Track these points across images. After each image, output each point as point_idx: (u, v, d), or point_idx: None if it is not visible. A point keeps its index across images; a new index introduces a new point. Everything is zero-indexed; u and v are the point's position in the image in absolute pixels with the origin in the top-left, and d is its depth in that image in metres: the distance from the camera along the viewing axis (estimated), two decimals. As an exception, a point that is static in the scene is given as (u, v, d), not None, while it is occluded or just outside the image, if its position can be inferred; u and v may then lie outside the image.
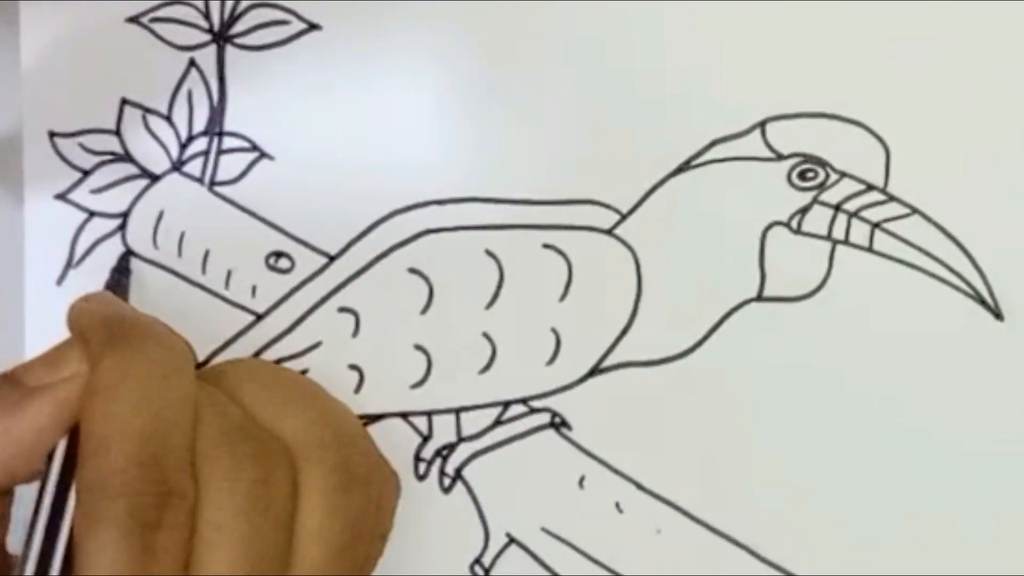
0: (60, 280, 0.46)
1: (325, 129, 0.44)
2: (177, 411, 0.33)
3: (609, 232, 0.43)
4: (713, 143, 0.42)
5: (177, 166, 0.45)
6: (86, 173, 0.46)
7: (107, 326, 0.35)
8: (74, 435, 0.34)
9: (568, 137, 0.43)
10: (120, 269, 0.44)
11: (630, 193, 0.43)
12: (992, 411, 0.40)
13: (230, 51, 0.45)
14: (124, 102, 0.46)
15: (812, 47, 0.42)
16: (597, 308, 0.43)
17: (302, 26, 0.45)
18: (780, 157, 0.42)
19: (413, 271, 0.43)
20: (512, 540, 0.43)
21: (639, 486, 0.42)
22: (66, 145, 0.46)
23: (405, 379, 0.43)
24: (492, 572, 0.43)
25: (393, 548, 0.43)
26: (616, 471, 0.42)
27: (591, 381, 0.43)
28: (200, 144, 0.45)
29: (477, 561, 0.43)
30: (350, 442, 0.37)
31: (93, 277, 0.45)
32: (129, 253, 0.44)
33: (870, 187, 0.41)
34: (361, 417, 0.44)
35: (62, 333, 0.45)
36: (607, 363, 0.42)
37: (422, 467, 0.43)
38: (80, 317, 0.36)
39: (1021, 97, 0.41)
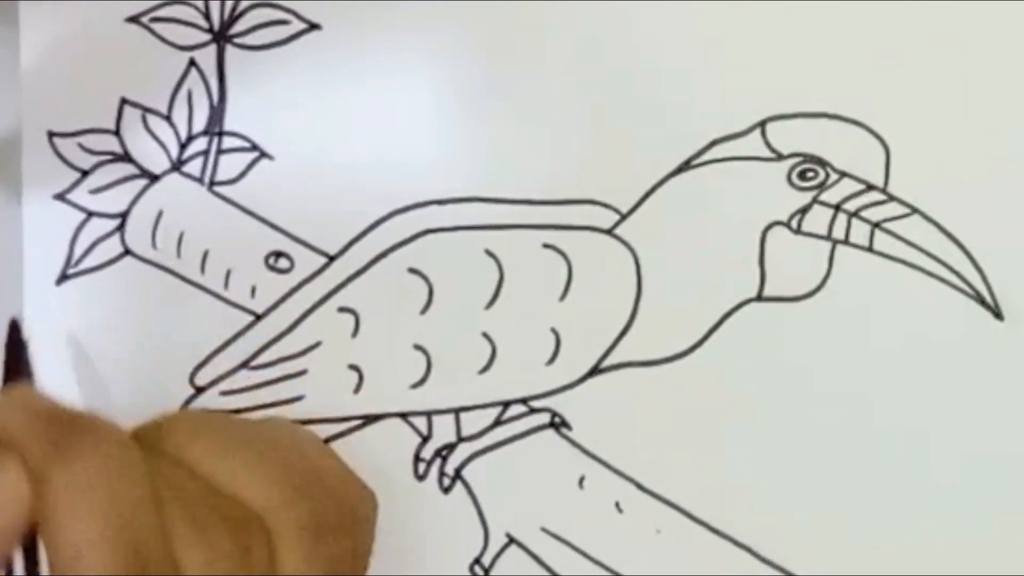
0: (59, 280, 0.46)
1: (325, 129, 0.44)
2: (143, 506, 0.32)
3: (609, 232, 0.43)
4: (713, 143, 0.42)
5: (177, 166, 0.45)
6: (85, 173, 0.46)
7: (46, 434, 0.33)
8: (28, 550, 0.33)
9: (568, 137, 0.43)
10: (12, 343, 0.38)
11: (630, 193, 0.43)
12: (992, 411, 0.40)
13: (230, 51, 0.45)
14: (124, 102, 0.45)
15: (812, 47, 0.42)
16: (597, 308, 0.42)
17: (302, 26, 0.45)
18: (780, 157, 0.42)
19: (413, 271, 0.43)
20: (512, 540, 0.43)
21: (639, 486, 0.42)
22: (65, 145, 0.46)
23: (405, 379, 0.43)
24: (492, 572, 0.43)
25: (393, 548, 0.43)
26: (616, 471, 0.42)
27: (591, 381, 0.43)
28: (200, 144, 0.45)
29: (477, 561, 0.43)
30: (317, 489, 0.36)
31: (92, 277, 0.46)
32: (17, 323, 0.39)
33: (870, 187, 0.41)
34: (361, 417, 0.44)
35: (61, 333, 0.45)
36: (607, 363, 0.42)
37: (422, 467, 0.43)
38: (7, 428, 0.34)
39: (1021, 97, 0.41)
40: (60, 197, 0.46)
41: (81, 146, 0.46)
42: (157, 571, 0.31)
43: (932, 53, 0.41)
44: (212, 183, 0.45)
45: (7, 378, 0.38)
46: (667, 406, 0.42)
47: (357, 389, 0.43)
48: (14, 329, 0.38)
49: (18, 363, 0.38)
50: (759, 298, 0.42)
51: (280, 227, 0.44)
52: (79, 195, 0.46)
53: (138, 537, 0.31)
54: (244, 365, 0.44)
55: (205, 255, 0.45)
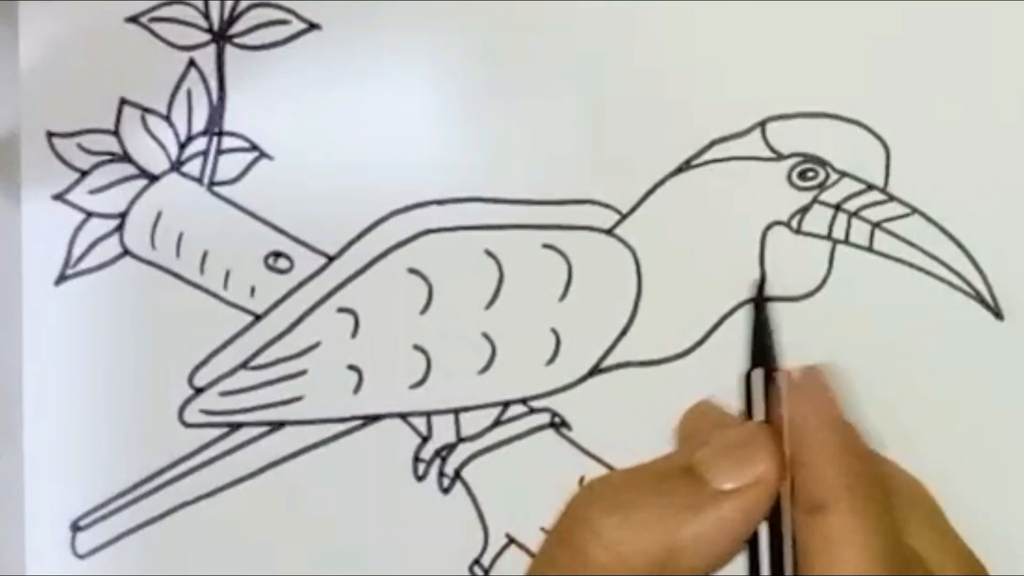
0: (58, 281, 0.46)
1: (325, 129, 0.44)
2: (900, 568, 0.29)
3: (609, 232, 0.43)
4: (713, 143, 0.42)
5: (176, 166, 0.45)
6: (84, 173, 0.46)
7: (843, 459, 0.31)
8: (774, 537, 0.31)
9: (568, 137, 0.43)
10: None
11: (630, 193, 0.43)
12: (992, 410, 0.40)
13: (230, 51, 0.45)
14: (123, 102, 0.45)
15: (812, 47, 0.42)
16: (597, 308, 0.42)
17: (302, 26, 0.44)
18: (780, 157, 0.42)
19: (413, 271, 0.43)
20: (512, 540, 0.43)
21: (639, 486, 0.42)
22: (64, 145, 0.46)
23: (405, 379, 0.43)
24: (492, 572, 0.43)
25: (393, 549, 0.43)
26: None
27: (591, 381, 0.42)
28: (199, 144, 0.45)
29: (477, 562, 0.43)
30: (977, 561, 0.35)
31: (91, 278, 0.45)
32: (759, 283, 0.37)
33: (870, 187, 0.41)
34: (361, 417, 0.44)
35: (59, 334, 0.45)
36: (607, 363, 0.42)
37: (421, 467, 0.43)
38: (802, 425, 0.32)
39: (1021, 97, 0.41)
40: (59, 197, 0.46)
41: (80, 146, 0.46)
42: None
43: (932, 53, 0.41)
44: (211, 183, 0.45)
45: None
46: (667, 406, 0.42)
47: (357, 389, 0.43)
48: (759, 290, 0.36)
49: (766, 331, 0.36)
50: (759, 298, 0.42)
51: (280, 227, 0.44)
52: (78, 195, 0.46)
53: None
54: (244, 365, 0.44)
55: (204, 255, 0.45)
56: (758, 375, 0.35)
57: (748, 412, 0.34)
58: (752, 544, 0.31)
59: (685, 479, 0.31)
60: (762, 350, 0.36)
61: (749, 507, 0.30)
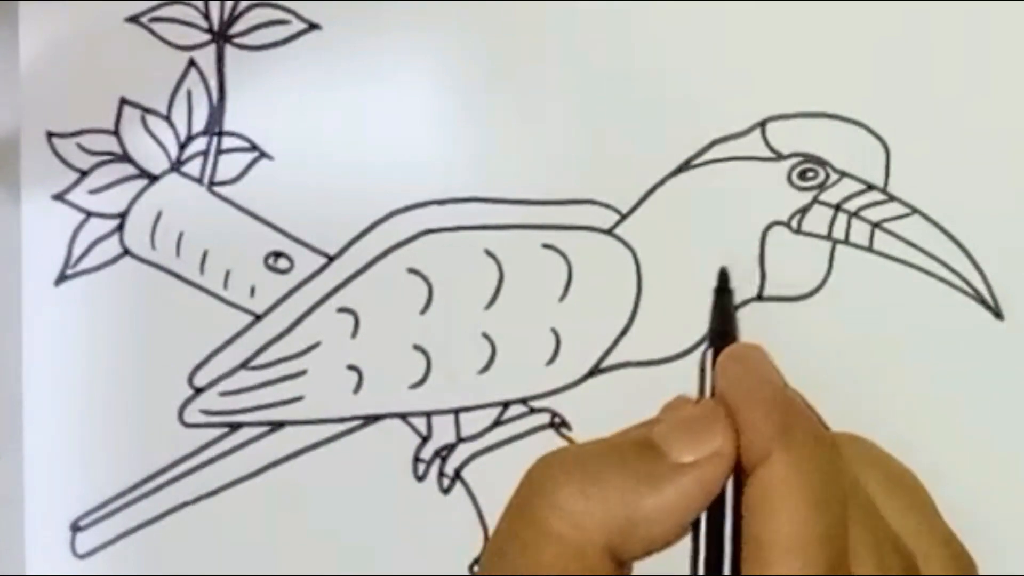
0: (58, 281, 0.46)
1: (325, 129, 0.44)
2: (841, 518, 0.29)
3: (609, 232, 0.43)
4: (713, 143, 0.42)
5: (176, 166, 0.45)
6: (84, 173, 0.46)
7: (774, 413, 0.31)
8: (714, 508, 0.32)
9: (568, 137, 0.43)
10: (721, 291, 0.37)
11: (630, 193, 0.43)
12: (992, 410, 0.40)
13: (230, 51, 0.45)
14: (123, 102, 0.45)
15: (812, 47, 0.42)
16: (597, 308, 0.42)
17: (302, 26, 0.44)
18: (780, 157, 0.42)
19: (413, 271, 0.43)
20: (512, 540, 0.43)
21: (639, 486, 0.42)
22: (64, 145, 0.46)
23: (404, 379, 0.43)
24: (492, 572, 0.43)
25: (393, 549, 0.43)
26: (616, 471, 0.42)
27: (591, 381, 0.43)
28: (199, 144, 0.45)
29: (477, 561, 0.43)
30: (956, 543, 0.35)
31: (91, 278, 0.45)
32: (726, 272, 0.38)
33: (870, 187, 0.41)
34: (361, 417, 0.44)
35: (59, 334, 0.45)
36: (607, 363, 0.42)
37: (421, 468, 0.43)
38: (734, 388, 0.32)
39: (1021, 97, 0.41)
40: (59, 197, 0.46)
41: (80, 146, 0.46)
42: None
43: (932, 53, 0.41)
44: (211, 183, 0.45)
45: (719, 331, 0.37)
46: (667, 406, 0.42)
47: (357, 389, 0.43)
48: (723, 277, 0.37)
49: (727, 315, 0.37)
50: (759, 298, 0.42)
51: (280, 227, 0.44)
52: (78, 195, 0.46)
53: (837, 547, 0.29)
54: (244, 365, 0.44)
55: (204, 255, 0.45)
56: (711, 355, 0.35)
57: (702, 392, 0.34)
58: (695, 525, 0.31)
59: (644, 452, 0.31)
60: (721, 332, 0.36)
61: (707, 479, 0.30)
